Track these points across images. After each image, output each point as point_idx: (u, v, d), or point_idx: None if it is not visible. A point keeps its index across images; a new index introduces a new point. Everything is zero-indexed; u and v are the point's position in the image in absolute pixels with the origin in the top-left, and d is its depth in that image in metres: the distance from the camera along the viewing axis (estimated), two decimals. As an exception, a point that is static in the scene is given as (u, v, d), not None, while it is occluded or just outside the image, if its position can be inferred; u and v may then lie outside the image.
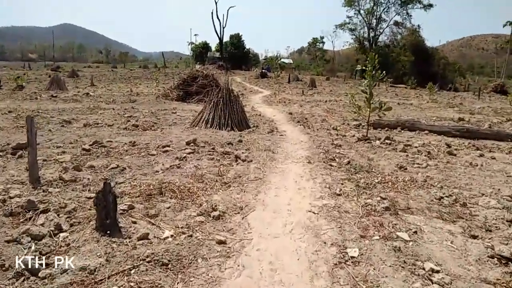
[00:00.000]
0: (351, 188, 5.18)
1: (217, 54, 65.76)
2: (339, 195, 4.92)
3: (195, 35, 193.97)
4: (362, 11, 70.08)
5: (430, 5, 63.66)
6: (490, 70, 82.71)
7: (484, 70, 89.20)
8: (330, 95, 23.22)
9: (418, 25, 64.83)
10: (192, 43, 78.66)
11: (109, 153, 6.54)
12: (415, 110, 16.81)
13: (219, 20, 65.96)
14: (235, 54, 67.27)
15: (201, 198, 4.56)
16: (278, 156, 7.02)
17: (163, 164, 5.90)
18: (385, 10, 68.90)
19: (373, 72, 8.72)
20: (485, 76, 75.40)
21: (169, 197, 4.55)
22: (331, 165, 6.37)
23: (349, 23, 71.36)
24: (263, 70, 43.87)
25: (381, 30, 69.93)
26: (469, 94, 31.83)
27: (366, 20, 70.70)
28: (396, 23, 68.94)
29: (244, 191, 4.94)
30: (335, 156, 6.97)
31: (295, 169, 6.15)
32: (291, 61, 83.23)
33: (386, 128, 10.63)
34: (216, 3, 56.19)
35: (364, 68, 8.97)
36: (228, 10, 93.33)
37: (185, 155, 6.50)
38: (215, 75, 17.44)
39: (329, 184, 5.36)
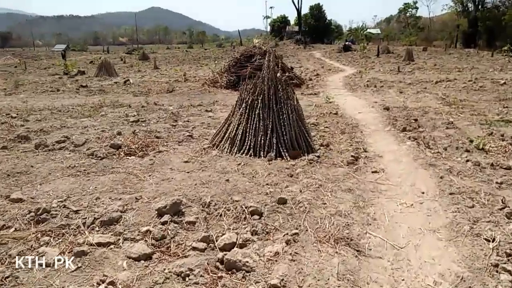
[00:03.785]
0: None
1: (296, 28, 60.30)
2: None
3: (271, 7, 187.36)
4: (465, -33, 58.47)
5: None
6: None
7: None
8: (437, 71, 17.20)
9: (539, -21, 51.60)
10: (268, 17, 73.91)
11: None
12: None
13: (297, -11, 60.17)
14: (315, 27, 61.15)
15: None
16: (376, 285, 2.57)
17: None
18: (495, -36, 56.34)
19: None
20: None
21: None
22: None
23: (449, -18, 60.08)
24: (347, 43, 37.78)
25: (489, -11, 57.56)
26: None
27: (471, -22, 58.87)
28: (508, -20, 56.09)
29: None
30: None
31: None
32: (379, 31, 74.01)
33: None
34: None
35: None
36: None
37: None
38: (277, 52, 13.01)
39: None
